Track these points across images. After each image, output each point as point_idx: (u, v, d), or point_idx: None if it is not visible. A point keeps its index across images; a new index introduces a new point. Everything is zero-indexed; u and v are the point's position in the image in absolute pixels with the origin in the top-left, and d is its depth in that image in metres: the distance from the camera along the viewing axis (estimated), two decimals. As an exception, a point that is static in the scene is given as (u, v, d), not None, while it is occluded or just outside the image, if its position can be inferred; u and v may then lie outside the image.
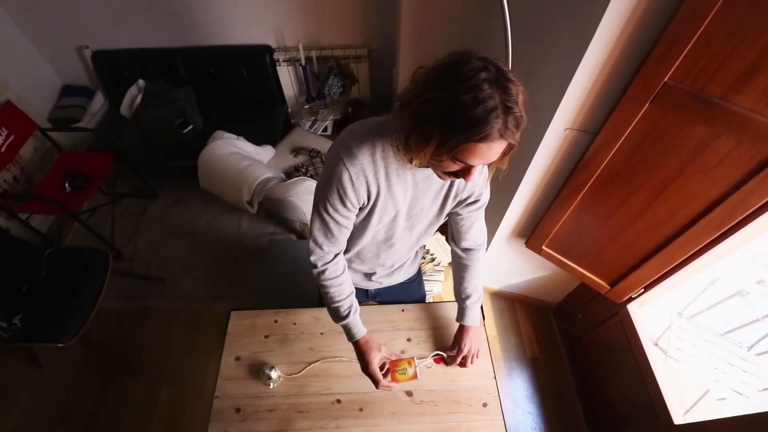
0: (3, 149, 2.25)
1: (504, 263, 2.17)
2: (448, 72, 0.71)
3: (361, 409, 1.24)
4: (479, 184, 1.02)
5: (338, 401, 1.25)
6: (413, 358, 1.24)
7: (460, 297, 1.26)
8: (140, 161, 2.68)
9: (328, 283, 1.08)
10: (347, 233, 1.04)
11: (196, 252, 2.65)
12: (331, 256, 1.06)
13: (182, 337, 2.29)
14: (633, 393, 1.69)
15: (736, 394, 1.58)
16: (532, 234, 1.78)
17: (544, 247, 1.78)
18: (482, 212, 1.14)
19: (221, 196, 2.33)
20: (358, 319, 1.14)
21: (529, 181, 1.63)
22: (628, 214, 1.40)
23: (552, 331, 2.37)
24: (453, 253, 1.25)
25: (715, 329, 1.78)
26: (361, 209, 0.99)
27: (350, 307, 1.12)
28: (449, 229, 1.21)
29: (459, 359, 1.28)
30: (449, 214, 1.13)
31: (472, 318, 1.26)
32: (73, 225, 2.73)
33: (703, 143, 1.10)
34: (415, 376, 1.21)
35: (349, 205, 0.94)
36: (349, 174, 0.89)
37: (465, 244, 1.20)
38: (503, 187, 1.78)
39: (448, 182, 1.00)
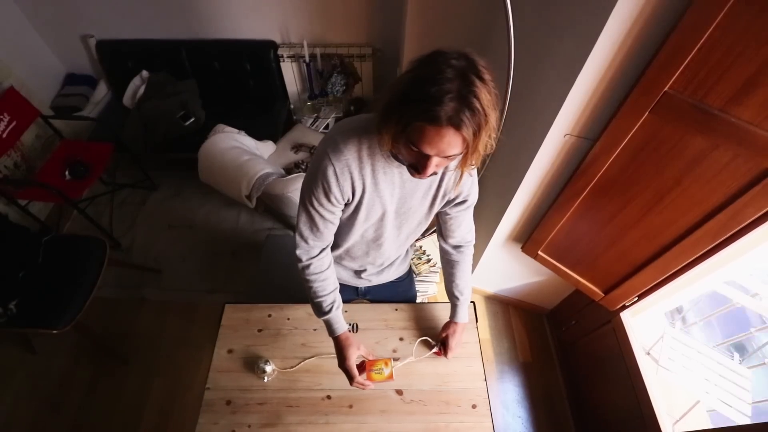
0: (4, 135, 2.26)
1: (499, 267, 2.17)
2: (426, 57, 0.73)
3: (350, 406, 1.24)
4: (467, 183, 1.03)
5: (328, 397, 1.26)
6: (390, 359, 1.24)
7: (453, 295, 1.27)
8: (141, 152, 2.68)
9: (312, 278, 1.08)
10: (333, 228, 1.05)
11: (193, 244, 2.66)
12: (317, 251, 1.07)
13: (176, 329, 2.30)
14: (623, 401, 1.69)
15: (726, 407, 1.59)
16: (528, 239, 1.78)
17: (540, 252, 1.78)
18: (471, 211, 1.15)
19: (220, 190, 2.33)
20: (341, 315, 1.15)
21: (527, 185, 1.63)
22: (624, 221, 1.40)
23: (545, 337, 2.37)
24: (442, 249, 1.26)
25: (707, 341, 1.78)
26: (346, 205, 0.99)
27: (333, 302, 1.12)
28: (438, 226, 1.22)
29: (450, 356, 1.29)
30: (438, 213, 1.14)
31: (465, 315, 1.29)
32: (72, 213, 2.74)
33: (701, 154, 1.10)
34: (390, 377, 1.21)
35: (333, 200, 0.94)
36: (334, 169, 0.89)
37: (454, 242, 1.22)
38: (501, 190, 1.79)
39: (437, 182, 1.00)
